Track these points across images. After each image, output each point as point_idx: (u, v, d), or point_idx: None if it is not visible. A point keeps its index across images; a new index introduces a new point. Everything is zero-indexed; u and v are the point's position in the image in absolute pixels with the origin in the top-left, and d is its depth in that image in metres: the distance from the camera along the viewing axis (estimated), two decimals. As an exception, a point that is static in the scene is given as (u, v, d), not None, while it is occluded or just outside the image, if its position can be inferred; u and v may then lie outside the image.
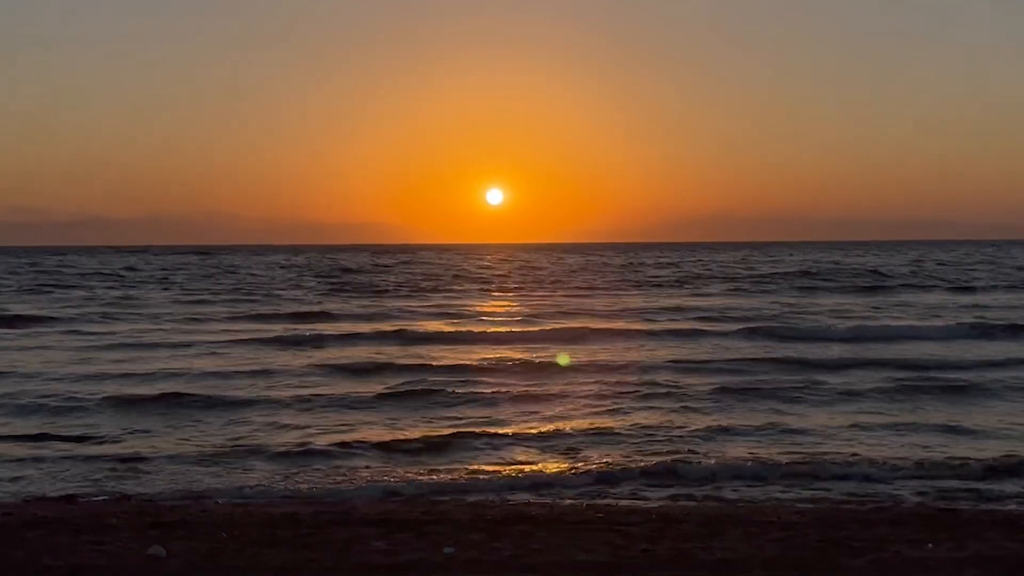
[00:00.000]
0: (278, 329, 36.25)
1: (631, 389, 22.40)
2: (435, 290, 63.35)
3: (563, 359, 27.36)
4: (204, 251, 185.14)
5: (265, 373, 25.32)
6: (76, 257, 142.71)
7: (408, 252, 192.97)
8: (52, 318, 41.31)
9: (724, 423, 18.66)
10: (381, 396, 21.79)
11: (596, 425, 18.58)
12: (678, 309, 45.38)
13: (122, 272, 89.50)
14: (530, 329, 36.87)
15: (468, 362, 27.65)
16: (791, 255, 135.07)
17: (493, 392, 22.35)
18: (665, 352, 29.77)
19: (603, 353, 29.35)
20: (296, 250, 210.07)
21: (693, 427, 18.32)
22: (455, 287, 66.97)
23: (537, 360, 27.72)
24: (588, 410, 20.16)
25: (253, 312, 44.72)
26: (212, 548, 10.16)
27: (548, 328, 36.83)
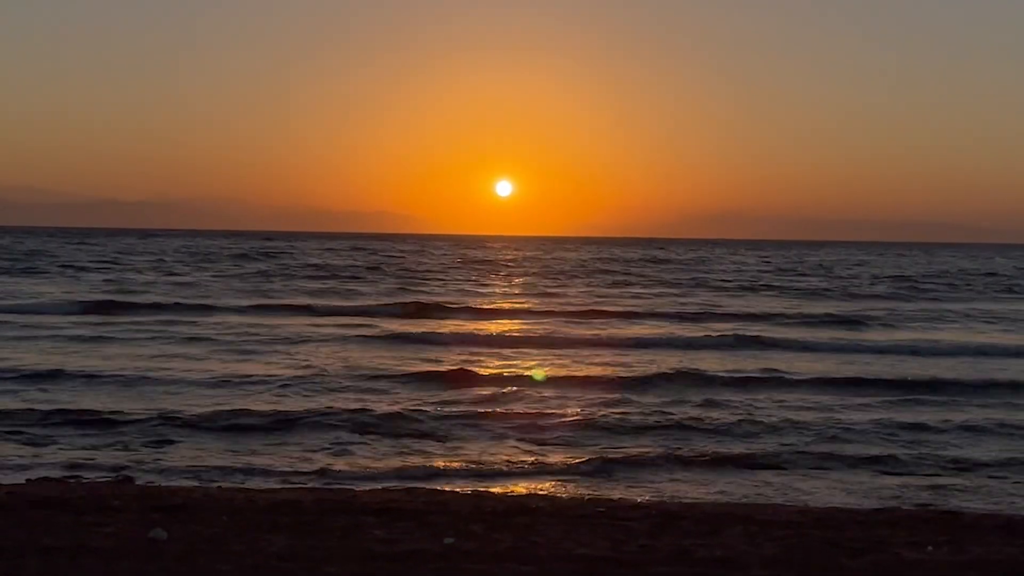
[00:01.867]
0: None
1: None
2: (526, 285, 62.18)
3: (539, 374, 24.89)
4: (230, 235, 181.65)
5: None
6: (105, 239, 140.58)
7: (425, 242, 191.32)
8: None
9: None
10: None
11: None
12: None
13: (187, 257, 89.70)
14: (692, 334, 34.24)
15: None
16: (816, 257, 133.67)
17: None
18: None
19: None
20: (316, 237, 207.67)
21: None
22: (552, 281, 64.88)
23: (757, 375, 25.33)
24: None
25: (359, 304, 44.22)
26: (213, 532, 10.19)
27: (719, 334, 33.84)
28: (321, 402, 20.38)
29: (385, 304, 44.57)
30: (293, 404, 20.23)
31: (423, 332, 33.47)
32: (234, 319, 37.13)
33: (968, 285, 67.17)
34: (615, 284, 64.51)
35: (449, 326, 36.66)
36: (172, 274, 64.34)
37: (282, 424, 18.14)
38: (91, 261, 78.10)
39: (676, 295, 54.89)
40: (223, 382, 22.77)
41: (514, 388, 22.73)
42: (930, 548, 10.21)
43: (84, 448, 16.25)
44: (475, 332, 34.71)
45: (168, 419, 18.32)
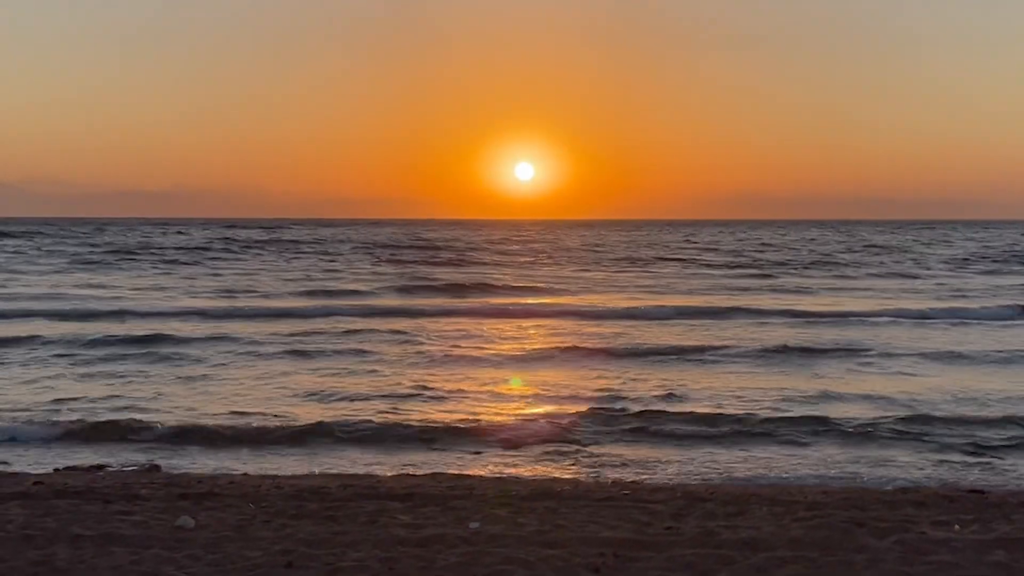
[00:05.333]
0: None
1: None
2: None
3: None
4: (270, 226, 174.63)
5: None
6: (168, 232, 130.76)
7: (450, 228, 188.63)
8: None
9: None
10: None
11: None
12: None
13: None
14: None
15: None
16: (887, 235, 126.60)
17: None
18: None
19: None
20: (335, 225, 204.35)
21: None
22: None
23: None
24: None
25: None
26: (240, 520, 10.25)
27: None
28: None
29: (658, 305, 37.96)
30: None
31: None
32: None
33: None
34: (840, 273, 58.52)
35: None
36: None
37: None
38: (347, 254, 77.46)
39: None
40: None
41: None
42: (956, 527, 10.19)
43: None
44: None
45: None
